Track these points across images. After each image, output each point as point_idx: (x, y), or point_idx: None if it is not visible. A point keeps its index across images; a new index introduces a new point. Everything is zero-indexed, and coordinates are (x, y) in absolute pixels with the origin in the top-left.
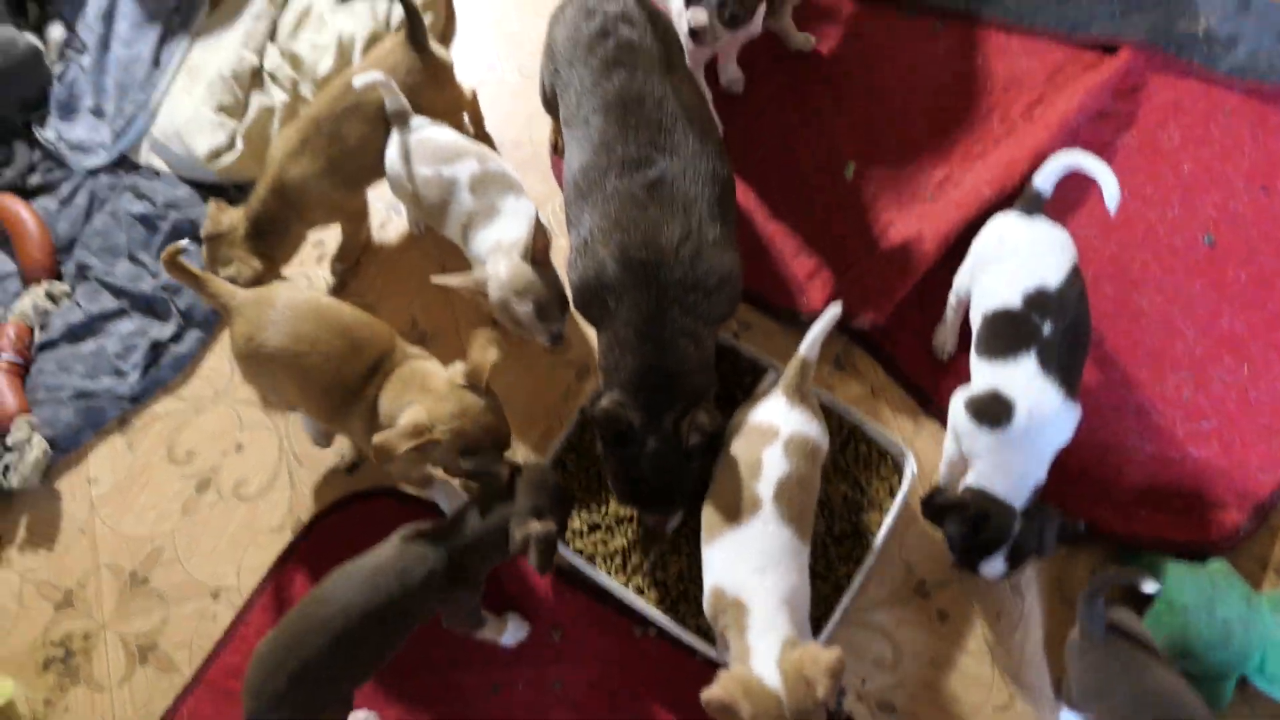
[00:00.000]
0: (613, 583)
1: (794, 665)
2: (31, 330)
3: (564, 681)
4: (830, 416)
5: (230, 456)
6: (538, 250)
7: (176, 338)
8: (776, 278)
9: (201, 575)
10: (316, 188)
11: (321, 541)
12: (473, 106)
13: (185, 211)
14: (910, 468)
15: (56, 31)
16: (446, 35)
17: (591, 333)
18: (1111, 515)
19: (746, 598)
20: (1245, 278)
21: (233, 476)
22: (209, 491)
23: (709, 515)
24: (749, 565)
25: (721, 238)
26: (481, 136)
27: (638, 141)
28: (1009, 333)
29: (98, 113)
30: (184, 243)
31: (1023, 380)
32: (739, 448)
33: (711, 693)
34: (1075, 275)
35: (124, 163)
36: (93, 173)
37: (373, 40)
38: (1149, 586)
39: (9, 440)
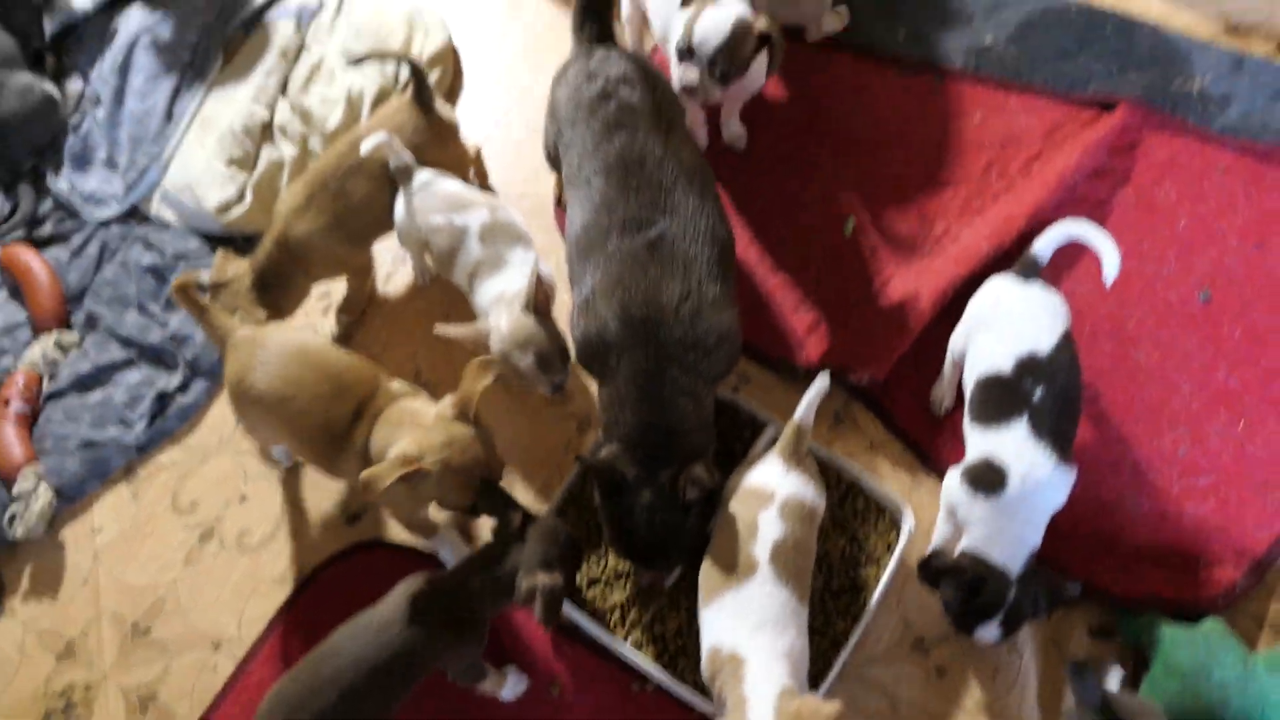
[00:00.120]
0: (610, 638)
1: (792, 717)
2: (40, 379)
3: None
4: (829, 471)
5: (234, 506)
6: (540, 302)
7: (183, 388)
8: (776, 331)
9: (203, 626)
10: (321, 244)
11: (323, 593)
12: (477, 163)
13: (194, 263)
14: (908, 523)
15: (74, 85)
16: (454, 90)
17: (594, 384)
18: (1108, 573)
19: (743, 652)
20: (1240, 334)
21: (236, 526)
22: (212, 541)
23: (706, 577)
24: (747, 624)
25: (720, 297)
26: (485, 190)
27: (638, 202)
28: (1000, 398)
29: (111, 164)
30: (200, 274)
31: (1015, 447)
32: (736, 510)
33: None
34: (1067, 341)
35: (135, 214)
36: (104, 224)
37: (381, 96)
38: (1114, 682)
39: (15, 490)
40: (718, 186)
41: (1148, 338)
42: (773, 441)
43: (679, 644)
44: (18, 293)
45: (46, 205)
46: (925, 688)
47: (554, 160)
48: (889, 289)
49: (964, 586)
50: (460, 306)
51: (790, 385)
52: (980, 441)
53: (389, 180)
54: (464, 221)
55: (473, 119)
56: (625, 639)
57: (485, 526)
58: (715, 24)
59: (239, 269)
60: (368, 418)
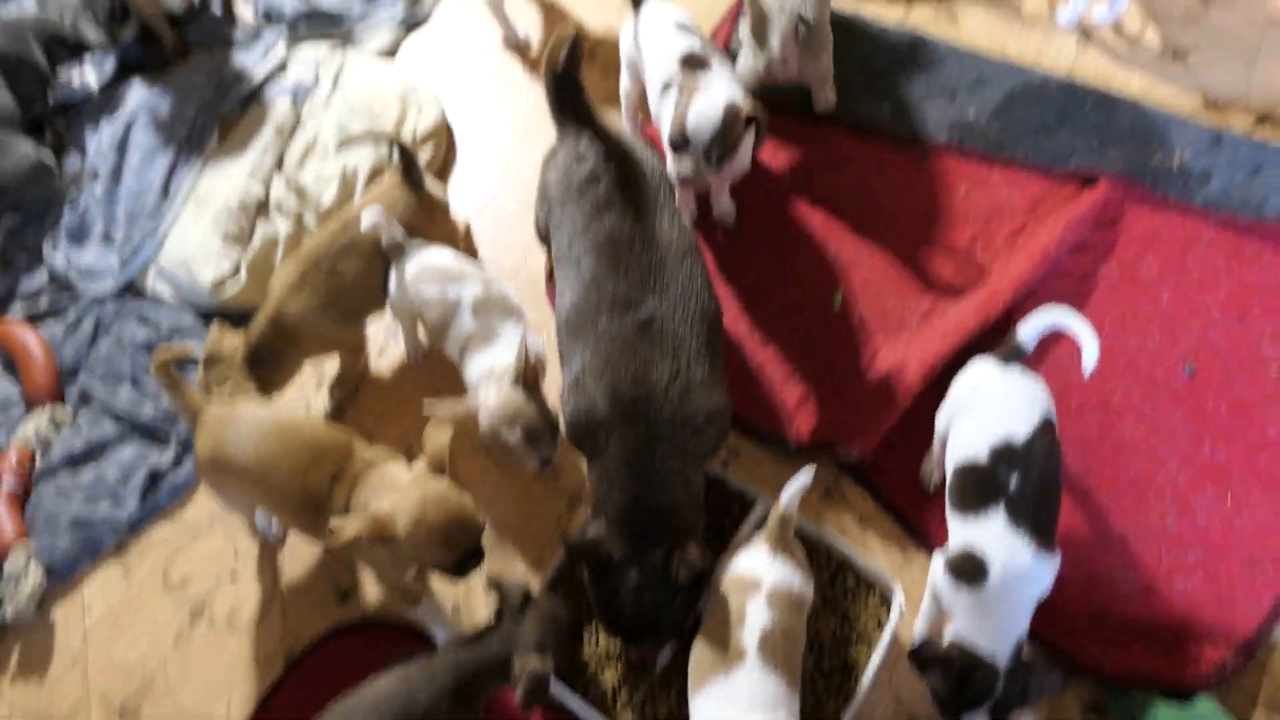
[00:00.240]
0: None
1: None
2: (33, 456)
3: None
4: (819, 548)
5: (224, 584)
6: (529, 377)
7: (175, 464)
8: (765, 404)
9: (192, 707)
10: (314, 322)
11: (313, 672)
12: (467, 239)
13: (188, 339)
14: (898, 601)
15: (72, 162)
16: (447, 165)
17: (584, 460)
18: (1098, 650)
19: None
20: (1225, 408)
21: (227, 604)
22: (202, 620)
23: (696, 663)
24: (736, 709)
25: (709, 376)
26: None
27: (628, 281)
28: (977, 487)
29: (107, 240)
30: (183, 347)
31: (994, 537)
32: (724, 596)
33: None
34: (1045, 428)
35: (130, 289)
36: (100, 299)
37: (375, 172)
38: None
39: (5, 570)
40: (707, 259)
41: (1133, 411)
42: (762, 519)
43: None
44: (12, 368)
45: (43, 280)
46: None
47: (545, 238)
48: (877, 362)
49: (952, 676)
50: (451, 382)
51: (780, 459)
52: (960, 530)
53: (381, 259)
54: (457, 294)
55: (465, 194)
56: None
57: (479, 589)
58: (707, 113)
59: (233, 343)
60: (346, 481)
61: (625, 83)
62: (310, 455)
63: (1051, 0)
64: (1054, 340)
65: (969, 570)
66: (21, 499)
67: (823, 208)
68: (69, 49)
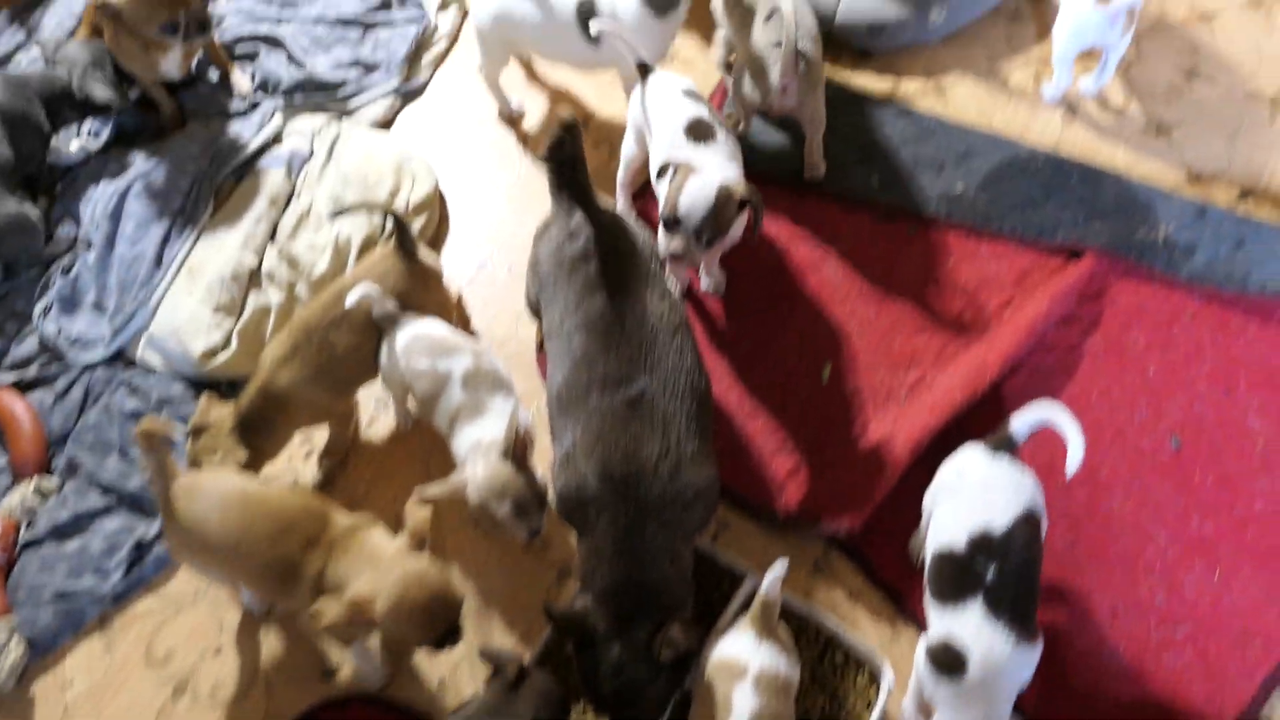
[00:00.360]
0: None
1: None
2: (18, 527)
3: None
4: (807, 624)
5: (208, 659)
6: (518, 450)
7: (161, 535)
8: (754, 476)
9: None
10: (305, 394)
11: None
12: (459, 309)
13: (177, 409)
14: (887, 679)
15: (68, 228)
16: (441, 234)
17: (572, 532)
18: None
19: None
20: (1212, 481)
21: (210, 680)
22: (185, 696)
23: None
24: None
25: (699, 452)
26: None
27: (618, 358)
28: (955, 577)
29: (99, 308)
30: (174, 431)
31: (972, 629)
32: (710, 682)
33: None
34: (1027, 520)
35: (120, 357)
36: (90, 367)
37: (368, 242)
38: None
39: None
40: (696, 329)
41: (1121, 485)
42: (750, 596)
43: None
44: (0, 437)
45: (33, 348)
46: None
47: (536, 312)
48: (867, 435)
49: None
50: (441, 452)
51: (770, 532)
52: (939, 620)
53: (373, 330)
54: (448, 367)
55: (457, 263)
56: None
57: (463, 664)
58: (699, 195)
59: (221, 413)
60: (321, 549)
61: (630, 148)
62: (279, 525)
63: (1037, 74)
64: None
65: (948, 662)
66: (5, 570)
67: (812, 279)
68: (73, 107)
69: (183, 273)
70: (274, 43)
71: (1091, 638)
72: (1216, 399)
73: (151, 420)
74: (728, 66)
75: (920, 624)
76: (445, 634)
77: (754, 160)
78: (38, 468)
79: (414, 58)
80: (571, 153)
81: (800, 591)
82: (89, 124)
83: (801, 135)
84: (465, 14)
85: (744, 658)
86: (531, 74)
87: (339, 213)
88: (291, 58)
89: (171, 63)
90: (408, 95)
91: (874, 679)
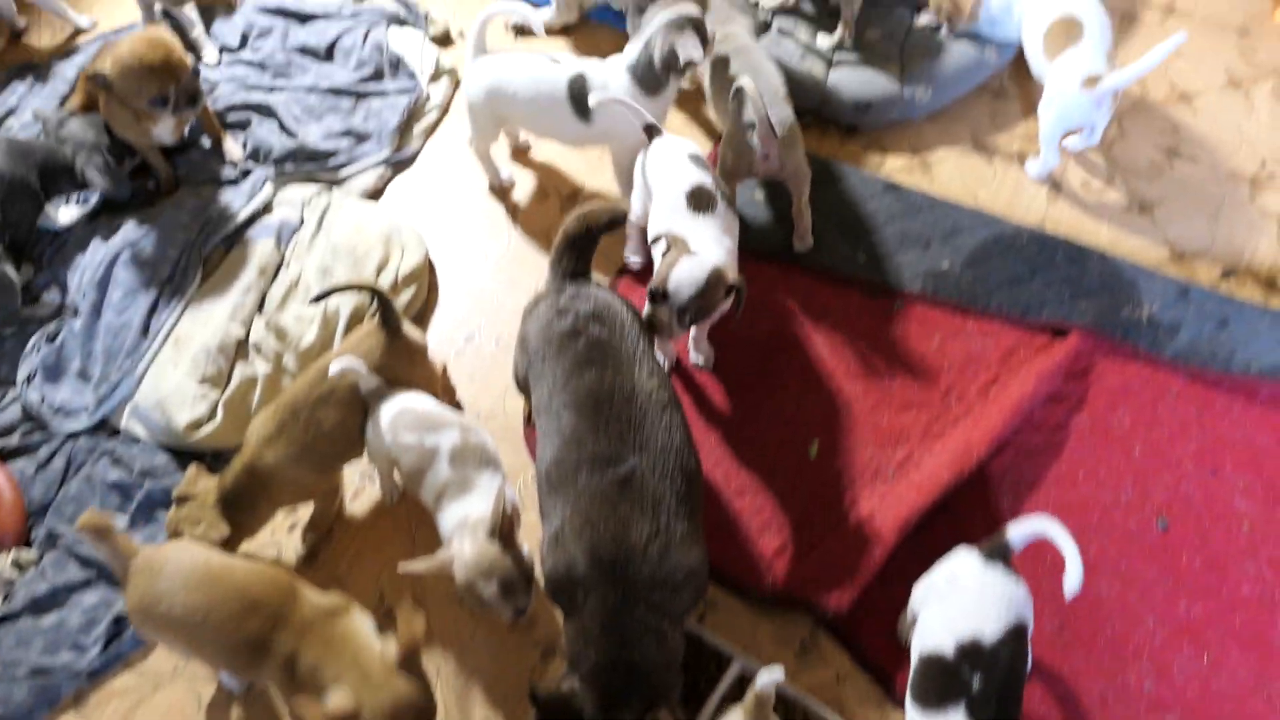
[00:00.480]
0: None
1: None
2: None
3: None
4: (794, 710)
5: None
6: (504, 528)
7: None
8: (742, 555)
9: None
10: (290, 472)
11: None
12: (445, 381)
13: (160, 480)
14: None
15: (54, 295)
16: (429, 305)
17: (558, 610)
18: None
19: None
20: (1199, 563)
21: None
22: None
23: None
24: None
25: (688, 533)
26: (453, 406)
27: (608, 437)
28: (940, 683)
29: (84, 376)
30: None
31: None
32: None
33: None
34: (1017, 633)
35: (104, 426)
36: (73, 435)
37: (356, 314)
38: None
39: None
40: (684, 404)
41: (1109, 568)
42: (737, 680)
43: None
44: None
45: (15, 416)
46: None
47: (524, 388)
48: (854, 514)
49: None
50: (427, 526)
51: (757, 612)
52: None
53: (360, 407)
54: (435, 443)
55: (445, 335)
56: None
57: None
58: (690, 275)
59: (208, 485)
60: (291, 630)
61: (635, 207)
62: (244, 603)
63: (1021, 151)
64: (1030, 489)
65: None
66: None
67: (799, 355)
68: (71, 181)
69: (169, 343)
70: (266, 111)
71: None
72: (1203, 479)
73: (91, 514)
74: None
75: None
76: None
77: (741, 234)
78: (16, 539)
79: (405, 128)
80: (596, 239)
81: (787, 673)
82: (80, 193)
83: (786, 210)
84: (457, 85)
85: None
86: (518, 151)
87: (320, 297)
88: (283, 126)
89: (165, 130)
90: (398, 165)
91: None
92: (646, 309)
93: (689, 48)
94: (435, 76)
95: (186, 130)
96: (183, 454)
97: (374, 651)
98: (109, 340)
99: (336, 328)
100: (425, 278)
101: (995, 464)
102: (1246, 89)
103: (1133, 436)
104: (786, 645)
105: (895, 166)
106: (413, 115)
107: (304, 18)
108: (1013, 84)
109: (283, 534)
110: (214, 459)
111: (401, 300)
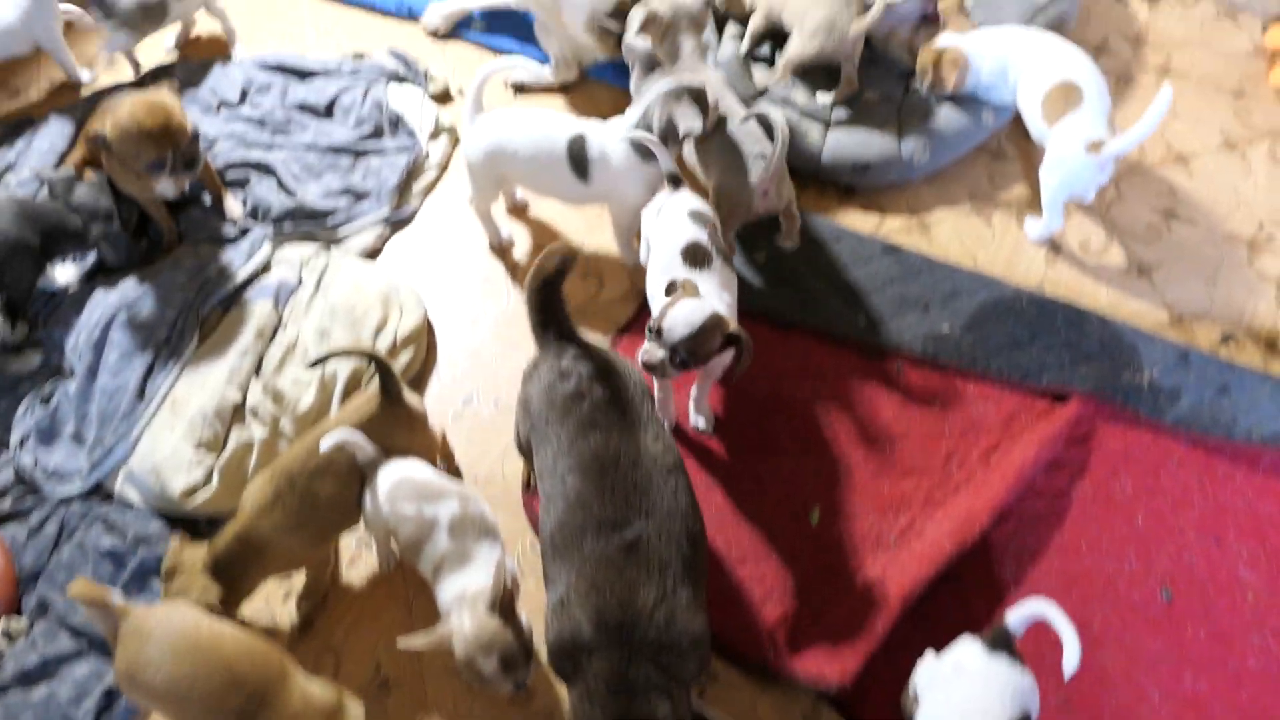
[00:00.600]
0: None
1: None
2: None
3: None
4: None
5: None
6: (504, 601)
7: None
8: (743, 626)
9: None
10: (284, 543)
11: None
12: (444, 448)
13: (154, 548)
14: None
15: (40, 356)
16: (428, 365)
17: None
18: None
19: None
20: (1204, 635)
21: None
22: None
23: None
24: None
25: (694, 599)
26: (452, 473)
27: (614, 502)
28: None
29: (78, 439)
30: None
31: None
32: None
33: None
34: None
35: (99, 490)
36: (65, 500)
37: (354, 378)
38: None
39: None
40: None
41: (1113, 640)
42: None
43: None
44: None
45: (8, 479)
46: None
47: (526, 452)
48: (857, 585)
49: None
50: (425, 593)
51: (758, 684)
52: None
53: (356, 477)
54: (434, 513)
55: (443, 396)
56: None
57: None
58: (689, 315)
59: (194, 554)
60: (277, 711)
61: (644, 256)
62: (228, 678)
63: (1020, 212)
64: (1033, 557)
65: None
66: None
67: (799, 418)
68: (75, 247)
69: (165, 406)
70: (265, 169)
71: None
72: (1206, 548)
73: (84, 585)
74: None
75: None
76: None
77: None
78: (7, 608)
79: (404, 186)
80: (557, 288)
81: None
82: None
83: (785, 270)
84: (456, 142)
85: None
86: (516, 208)
87: (319, 361)
88: (282, 184)
89: (166, 185)
90: (397, 224)
91: None
92: (643, 347)
93: (688, 118)
94: (435, 134)
95: (188, 185)
96: (177, 520)
97: None
98: (104, 403)
99: (334, 391)
100: (424, 339)
101: (998, 533)
102: (1242, 150)
103: (1135, 504)
104: (788, 719)
105: (894, 227)
106: (412, 173)
107: (304, 74)
108: (1010, 145)
109: (276, 602)
110: (208, 525)
111: (400, 362)
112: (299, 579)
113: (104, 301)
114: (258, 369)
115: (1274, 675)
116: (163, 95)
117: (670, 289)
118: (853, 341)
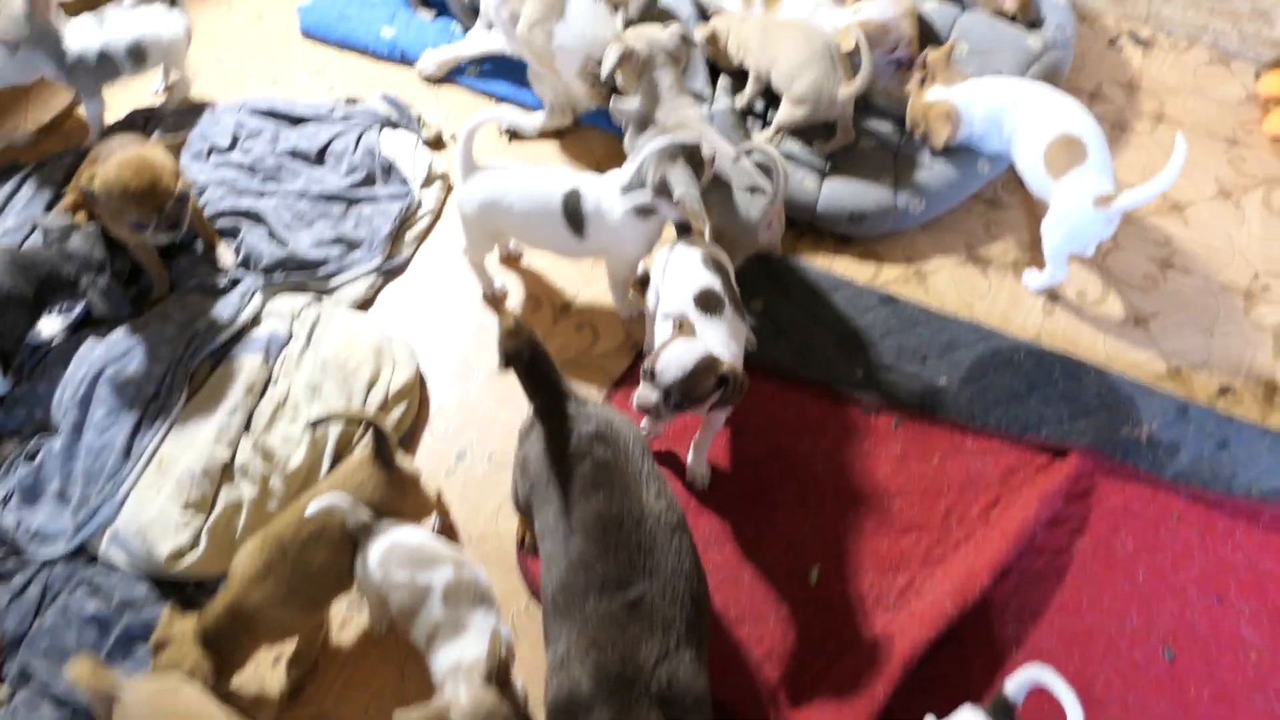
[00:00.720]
0: None
1: None
2: None
3: None
4: None
5: None
6: (500, 671)
7: None
8: (742, 686)
9: None
10: (276, 613)
11: None
12: (439, 507)
13: (140, 613)
14: None
15: (24, 409)
16: (419, 422)
17: None
18: None
19: None
20: (1207, 695)
21: None
22: None
23: None
24: None
25: (696, 660)
26: (446, 533)
27: (617, 561)
28: None
29: (62, 498)
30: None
31: None
32: None
33: None
34: None
35: (82, 552)
36: (49, 563)
37: (346, 436)
38: None
39: None
40: None
41: (1116, 700)
42: None
43: None
44: None
45: None
46: None
47: (525, 511)
48: (857, 646)
49: None
50: (417, 658)
51: None
52: None
53: (349, 545)
54: (427, 580)
55: (436, 452)
56: None
57: None
58: (681, 356)
59: (184, 626)
60: None
61: (651, 302)
62: None
63: (1016, 262)
64: (1032, 615)
65: None
66: None
67: (797, 473)
68: (68, 298)
69: (152, 465)
70: (255, 218)
71: None
72: (1208, 606)
73: (86, 665)
74: None
75: None
76: None
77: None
78: None
79: (397, 235)
80: (531, 355)
81: None
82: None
83: (784, 322)
84: (449, 190)
85: None
86: (509, 259)
87: (313, 425)
88: (273, 233)
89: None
90: (389, 273)
91: None
92: (637, 391)
93: (681, 181)
94: (428, 181)
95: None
96: (164, 586)
97: None
98: (89, 461)
99: (325, 449)
100: (416, 393)
101: (998, 591)
102: (1237, 199)
103: (1136, 561)
104: None
105: (890, 277)
106: (404, 222)
107: (295, 120)
108: (1006, 193)
109: (266, 667)
110: (195, 588)
111: (392, 417)
112: (289, 644)
113: (90, 355)
114: (247, 425)
115: None
116: (155, 153)
117: (668, 320)
118: (851, 395)
